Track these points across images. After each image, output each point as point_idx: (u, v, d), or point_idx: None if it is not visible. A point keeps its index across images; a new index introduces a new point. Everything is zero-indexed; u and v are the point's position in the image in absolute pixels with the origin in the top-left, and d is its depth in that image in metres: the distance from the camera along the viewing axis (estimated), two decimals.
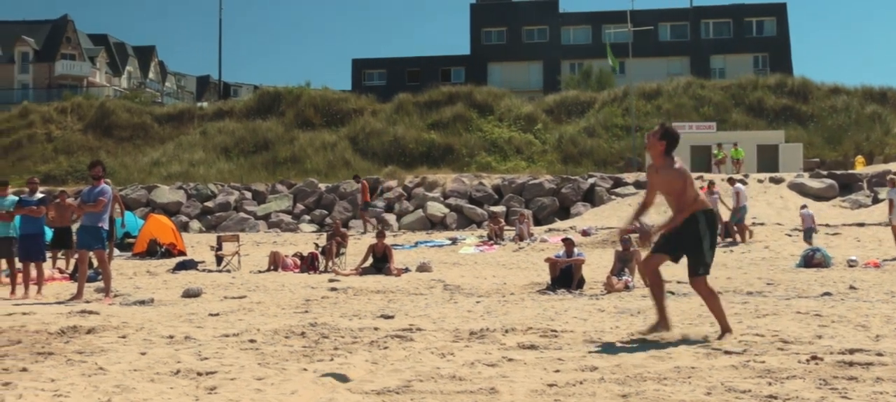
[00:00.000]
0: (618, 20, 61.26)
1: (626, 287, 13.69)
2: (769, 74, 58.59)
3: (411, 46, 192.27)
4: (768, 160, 41.74)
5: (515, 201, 36.34)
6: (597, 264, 17.45)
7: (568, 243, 15.03)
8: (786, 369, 6.41)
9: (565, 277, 14.12)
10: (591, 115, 49.62)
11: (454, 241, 27.65)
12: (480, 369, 6.65)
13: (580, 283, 14.12)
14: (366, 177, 39.95)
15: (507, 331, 8.62)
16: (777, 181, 35.63)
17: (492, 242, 26.54)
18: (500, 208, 35.18)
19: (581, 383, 6.06)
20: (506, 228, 29.46)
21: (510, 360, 6.97)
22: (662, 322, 8.12)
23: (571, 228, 29.53)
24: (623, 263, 14.58)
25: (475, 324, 9.30)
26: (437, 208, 36.19)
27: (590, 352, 7.31)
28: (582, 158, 44.68)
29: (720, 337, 7.85)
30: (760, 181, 35.54)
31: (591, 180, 37.41)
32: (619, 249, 15.02)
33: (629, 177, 38.03)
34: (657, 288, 8.22)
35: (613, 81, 58.95)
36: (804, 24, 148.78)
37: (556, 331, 8.60)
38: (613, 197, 36.15)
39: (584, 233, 27.34)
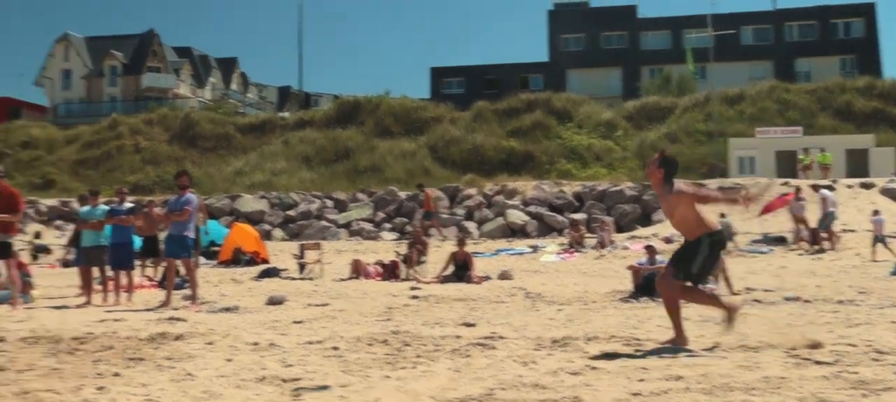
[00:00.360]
0: (698, 24, 60.42)
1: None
2: (857, 76, 57.04)
3: (489, 54, 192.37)
4: (858, 165, 40.66)
5: (596, 208, 36.05)
6: None
7: (650, 250, 14.81)
8: (881, 380, 6.20)
9: (648, 284, 13.93)
10: (672, 120, 49.00)
11: (535, 249, 27.53)
12: (563, 377, 6.59)
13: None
14: (445, 185, 40.12)
15: (589, 339, 8.54)
16: (867, 187, 34.61)
17: (573, 249, 26.36)
18: (580, 216, 34.94)
19: (666, 393, 5.96)
20: (587, 235, 29.23)
21: (593, 369, 6.90)
22: (679, 337, 8.06)
23: (654, 235, 29.14)
24: None
25: (557, 332, 9.23)
26: (517, 216, 36.10)
27: (674, 361, 7.19)
28: None
29: (669, 340, 8.04)
30: (850, 187, 34.55)
31: None
32: None
33: (712, 183, 37.37)
34: (672, 305, 8.18)
35: (694, 87, 58.09)
36: (894, 24, 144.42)
37: (639, 339, 8.49)
38: None
39: (667, 240, 26.94)
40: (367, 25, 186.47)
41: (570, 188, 38.40)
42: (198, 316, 11.41)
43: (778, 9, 73.44)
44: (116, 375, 6.93)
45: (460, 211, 37.87)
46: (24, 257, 20.23)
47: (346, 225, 37.95)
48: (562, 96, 53.06)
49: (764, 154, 42.34)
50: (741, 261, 20.97)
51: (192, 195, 13.69)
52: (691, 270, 8.07)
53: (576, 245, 26.92)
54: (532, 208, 36.60)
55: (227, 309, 12.38)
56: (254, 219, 37.53)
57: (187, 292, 13.61)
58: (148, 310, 12.45)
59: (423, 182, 37.24)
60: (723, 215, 28.44)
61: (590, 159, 45.46)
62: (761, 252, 24.06)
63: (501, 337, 8.78)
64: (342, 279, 18.25)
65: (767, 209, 26.89)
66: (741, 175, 40.23)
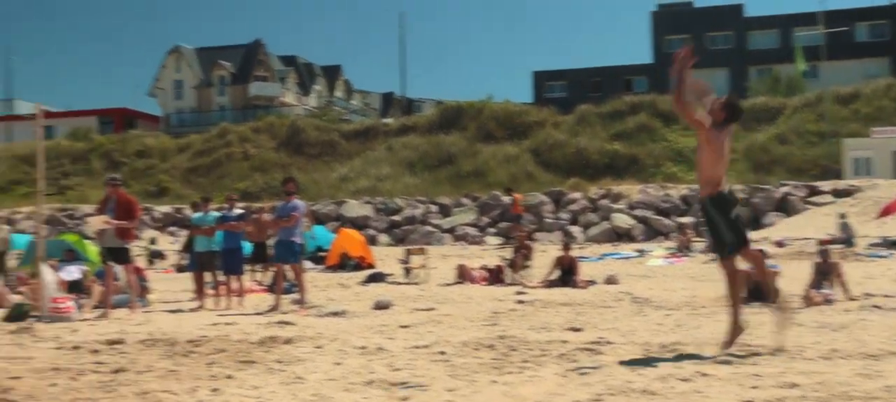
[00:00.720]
0: (808, 22, 58.70)
1: (827, 301, 13.02)
2: None
3: (592, 57, 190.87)
4: None
5: None
6: (792, 277, 16.69)
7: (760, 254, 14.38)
8: None
9: (759, 289, 13.56)
10: (781, 121, 47.68)
11: (641, 253, 27.14)
12: (673, 383, 6.46)
13: (775, 296, 13.51)
14: (549, 189, 39.94)
15: (699, 345, 8.36)
16: None
17: (680, 253, 25.89)
18: (688, 220, 34.30)
19: (781, 401, 5.80)
20: (695, 239, 28.68)
21: (704, 375, 6.74)
22: (735, 329, 7.97)
23: (764, 239, 28.41)
24: (822, 275, 13.88)
25: (666, 337, 9.07)
26: (622, 220, 35.69)
27: (789, 368, 6.97)
28: (773, 166, 42.90)
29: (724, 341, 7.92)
30: None
31: (783, 189, 35.94)
32: (818, 260, 14.32)
33: (826, 185, 36.31)
34: (732, 286, 8.08)
35: (804, 86, 56.38)
36: None
37: (751, 345, 8.26)
38: (808, 206, 34.60)
39: (778, 244, 26.27)
40: (469, 31, 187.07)
41: (677, 191, 37.76)
42: (306, 320, 11.60)
43: (895, 3, 70.69)
44: (229, 377, 7.10)
45: (565, 215, 37.62)
46: (141, 262, 20.92)
47: (451, 230, 38.09)
48: (667, 98, 52.13)
49: (881, 155, 40.83)
50: (859, 265, 20.26)
51: (298, 201, 13.93)
52: (726, 241, 7.94)
53: (683, 249, 26.44)
54: (638, 212, 36.13)
55: (335, 313, 12.55)
56: (359, 224, 37.97)
57: (296, 296, 13.85)
58: (258, 314, 12.72)
59: (511, 187, 37.09)
60: (842, 215, 27.62)
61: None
62: (880, 256, 23.18)
63: (609, 342, 8.68)
64: (447, 284, 18.31)
65: (886, 212, 25.94)
66: (857, 177, 38.92)
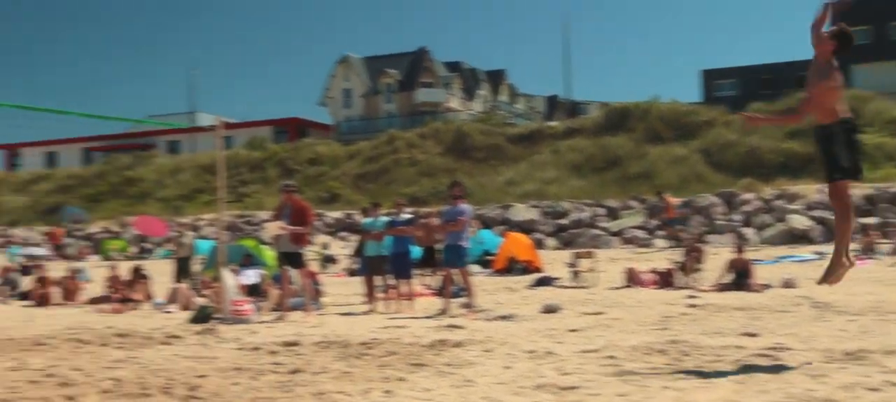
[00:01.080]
0: None
1: None
2: None
3: (762, 53, 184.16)
4: None
5: (890, 211, 33.56)
6: None
7: None
8: None
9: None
10: None
11: (820, 255, 25.96)
12: (859, 393, 6.13)
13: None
14: (720, 190, 38.86)
15: (888, 352, 7.90)
16: None
17: (865, 255, 24.64)
18: (872, 220, 32.59)
19: None
20: (880, 241, 27.24)
21: (894, 384, 6.37)
22: (835, 264, 7.73)
23: None
24: None
25: (850, 344, 8.62)
26: (799, 221, 34.26)
27: None
28: None
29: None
30: None
31: None
32: None
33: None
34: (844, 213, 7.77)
35: None
36: None
37: None
38: None
39: None
40: (634, 31, 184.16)
41: (860, 191, 35.96)
42: (475, 324, 11.67)
43: None
44: (401, 379, 7.22)
45: (737, 217, 36.45)
46: (314, 267, 21.59)
47: (618, 233, 37.56)
48: (846, 93, 49.82)
49: None
50: None
51: (465, 206, 14.03)
52: (840, 163, 7.65)
53: (867, 251, 25.15)
54: (816, 213, 34.59)
55: (504, 317, 12.58)
56: (525, 228, 37.89)
57: (464, 300, 13.95)
58: (427, 317, 12.88)
59: (661, 189, 36.09)
60: None
61: (881, 160, 42.24)
62: None
63: (787, 348, 8.33)
64: (616, 287, 18.07)
65: None
66: None
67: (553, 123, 61.53)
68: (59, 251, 41.66)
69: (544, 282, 19.66)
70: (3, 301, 18.83)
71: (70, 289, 18.73)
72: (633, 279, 18.56)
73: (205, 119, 69.36)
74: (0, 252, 34.39)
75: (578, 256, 21.44)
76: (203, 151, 62.81)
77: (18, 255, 33.10)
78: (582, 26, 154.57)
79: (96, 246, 44.02)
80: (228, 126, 16.03)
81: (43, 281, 18.90)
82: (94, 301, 17.58)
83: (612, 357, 8.06)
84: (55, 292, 18.44)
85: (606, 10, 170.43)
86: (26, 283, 20.52)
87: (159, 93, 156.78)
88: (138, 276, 18.14)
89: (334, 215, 45.61)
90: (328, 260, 30.12)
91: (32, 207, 57.05)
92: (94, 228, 49.30)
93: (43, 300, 17.96)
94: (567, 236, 38.21)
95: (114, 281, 18.17)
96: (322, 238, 37.59)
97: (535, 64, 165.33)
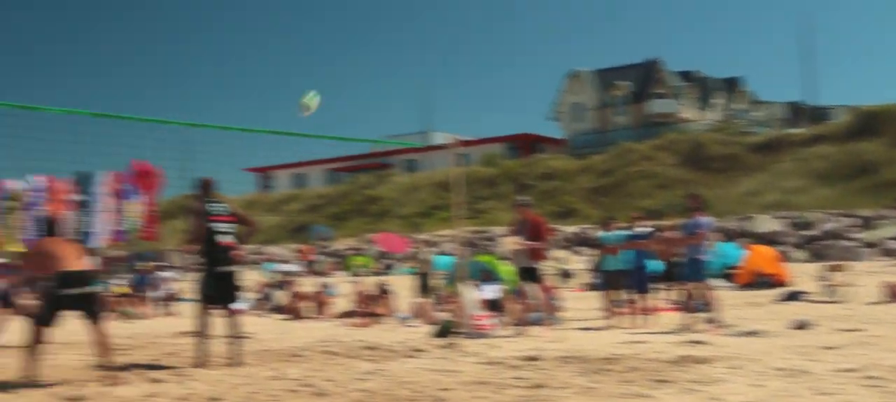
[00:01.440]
0: None
1: None
2: None
3: None
4: None
5: None
6: None
7: None
8: None
9: None
10: None
11: None
12: None
13: None
14: None
15: None
16: None
17: None
18: None
19: None
20: None
21: None
22: None
23: None
24: None
25: None
26: None
27: None
28: None
29: None
30: None
31: None
32: None
33: None
34: None
35: None
36: None
37: None
38: None
39: None
40: (886, 27, 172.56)
41: None
42: (720, 339, 11.24)
43: None
44: (645, 396, 7.03)
45: None
46: (552, 281, 21.59)
47: (874, 244, 35.24)
48: None
49: None
50: None
51: (704, 218, 13.60)
52: None
53: None
54: None
55: (750, 333, 12.07)
56: (769, 240, 36.33)
57: (708, 314, 13.50)
58: (668, 333, 12.55)
59: None
60: None
61: None
62: None
63: None
64: (874, 302, 16.96)
65: None
66: None
67: (795, 130, 58.73)
68: (310, 267, 43.97)
69: (793, 297, 18.75)
70: (261, 314, 20.09)
71: (320, 303, 19.76)
72: (893, 294, 17.37)
73: (437, 138, 71.17)
74: (256, 269, 36.64)
75: (831, 269, 20.29)
76: (439, 168, 64.46)
77: (273, 271, 35.13)
78: (826, 28, 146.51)
79: (342, 262, 46.15)
80: (463, 143, 16.31)
81: (296, 296, 20.04)
82: (343, 315, 18.43)
83: (875, 378, 7.51)
84: (307, 306, 19.51)
85: (852, 8, 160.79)
86: (280, 297, 21.79)
87: (394, 116, 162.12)
88: (383, 291, 18.87)
89: (570, 229, 45.53)
90: (565, 275, 30.11)
91: (284, 225, 60.57)
92: (340, 244, 51.71)
93: (296, 314, 19.02)
94: (816, 248, 36.28)
95: (360, 296, 18.98)
96: (559, 253, 37.59)
97: (775, 69, 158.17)
